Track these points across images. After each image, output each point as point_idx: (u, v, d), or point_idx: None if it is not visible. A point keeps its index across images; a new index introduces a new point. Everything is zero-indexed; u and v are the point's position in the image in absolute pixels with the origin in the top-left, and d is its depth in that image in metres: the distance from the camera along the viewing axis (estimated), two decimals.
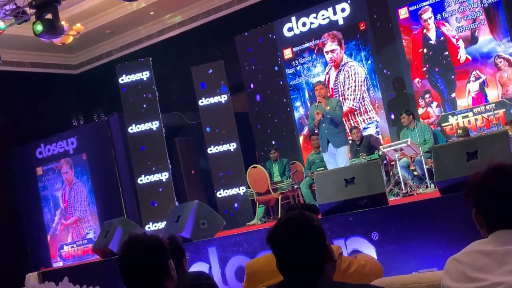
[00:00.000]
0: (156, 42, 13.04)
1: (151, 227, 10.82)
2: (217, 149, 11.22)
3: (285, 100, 11.86)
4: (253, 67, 12.21)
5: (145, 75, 11.23)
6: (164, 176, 10.99)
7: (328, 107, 7.92)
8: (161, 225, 10.62)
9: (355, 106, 11.12)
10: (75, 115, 12.80)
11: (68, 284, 1.53)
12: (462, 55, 10.02)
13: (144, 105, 11.14)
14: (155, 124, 11.08)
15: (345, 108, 10.65)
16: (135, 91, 11.22)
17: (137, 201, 11.31)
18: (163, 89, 11.47)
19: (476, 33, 9.89)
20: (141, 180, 11.01)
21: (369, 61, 11.01)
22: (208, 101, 11.33)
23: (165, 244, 2.40)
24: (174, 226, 6.67)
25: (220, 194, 11.11)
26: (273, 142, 11.40)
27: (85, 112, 12.86)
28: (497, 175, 1.95)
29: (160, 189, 10.98)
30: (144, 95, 11.18)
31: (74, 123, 12.77)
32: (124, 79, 11.27)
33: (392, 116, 10.62)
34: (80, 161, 12.27)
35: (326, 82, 10.81)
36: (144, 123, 11.10)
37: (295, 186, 9.40)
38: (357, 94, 11.13)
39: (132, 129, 11.11)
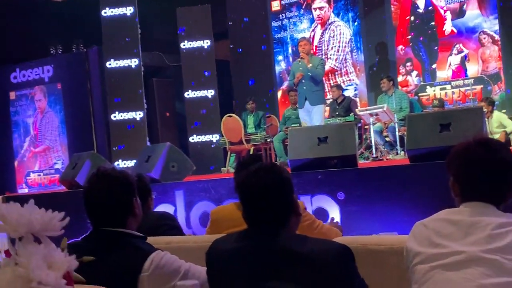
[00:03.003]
0: None
1: (120, 164, 10.79)
2: (194, 94, 11.15)
3: (267, 52, 11.78)
4: (239, 15, 12.05)
5: (129, 10, 11.00)
6: (138, 115, 10.91)
7: (311, 65, 7.88)
8: (130, 163, 10.60)
9: (337, 67, 11.10)
10: (53, 43, 12.54)
11: (33, 206, 1.52)
12: (448, 27, 10.02)
13: (125, 41, 10.95)
14: (135, 61, 10.92)
15: (326, 68, 10.61)
16: (117, 25, 10.99)
17: (108, 137, 11.24)
18: (145, 27, 11.27)
19: (465, 6, 9.87)
20: (114, 117, 10.91)
21: (355, 23, 10.95)
22: (190, 44, 11.20)
23: (133, 181, 2.39)
24: (143, 166, 6.66)
25: (193, 139, 11.11)
26: (251, 94, 11.35)
27: (64, 42, 12.60)
28: (481, 147, 1.98)
29: (132, 127, 10.89)
30: (126, 31, 10.97)
31: (51, 51, 12.54)
32: (107, 12, 11.04)
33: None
34: (55, 90, 12.11)
35: (311, 39, 10.74)
36: (123, 59, 10.92)
37: (268, 140, 9.43)
38: (340, 55, 11.10)
39: (110, 64, 10.95)
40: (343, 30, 11.08)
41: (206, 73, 11.10)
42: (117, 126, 10.91)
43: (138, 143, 10.51)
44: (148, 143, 10.77)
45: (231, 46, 12.18)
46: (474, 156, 1.98)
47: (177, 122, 12.64)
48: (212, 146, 10.94)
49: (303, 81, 7.94)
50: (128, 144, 10.82)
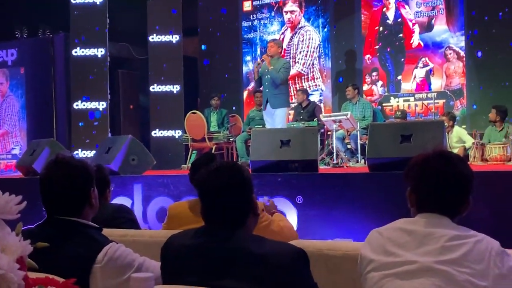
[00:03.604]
0: None
1: (80, 154, 10.64)
2: (160, 88, 11.07)
3: (236, 52, 11.77)
4: (210, 13, 12.02)
5: None
6: (101, 105, 10.77)
7: (272, 67, 7.79)
8: (90, 153, 10.47)
9: (304, 71, 11.16)
10: (19, 27, 12.30)
11: None
12: (415, 40, 10.17)
13: (93, 30, 10.80)
14: (101, 51, 10.78)
15: (293, 72, 10.67)
16: (86, 13, 10.82)
17: (69, 126, 11.07)
18: (114, 17, 11.12)
19: (433, 21, 10.03)
20: (76, 105, 10.75)
21: (325, 29, 11.02)
22: (159, 38, 11.11)
23: (92, 171, 2.36)
24: (103, 157, 6.59)
25: (155, 133, 11.03)
26: (217, 92, 11.31)
27: (30, 26, 12.36)
28: (440, 159, 2.00)
29: (95, 117, 10.75)
30: (94, 20, 10.82)
31: (16, 35, 12.30)
32: None
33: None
34: (17, 74, 11.88)
35: (281, 42, 10.76)
36: (89, 48, 10.78)
37: (231, 139, 9.42)
38: (307, 60, 11.16)
39: (76, 52, 10.78)
40: (312, 35, 11.15)
41: (173, 68, 11.03)
42: (79, 115, 10.76)
43: (99, 134, 10.39)
44: (110, 135, 10.66)
45: (199, 43, 12.13)
46: (433, 168, 2.00)
47: (140, 115, 12.54)
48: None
49: (266, 83, 7.91)
50: (89, 134, 10.69)
